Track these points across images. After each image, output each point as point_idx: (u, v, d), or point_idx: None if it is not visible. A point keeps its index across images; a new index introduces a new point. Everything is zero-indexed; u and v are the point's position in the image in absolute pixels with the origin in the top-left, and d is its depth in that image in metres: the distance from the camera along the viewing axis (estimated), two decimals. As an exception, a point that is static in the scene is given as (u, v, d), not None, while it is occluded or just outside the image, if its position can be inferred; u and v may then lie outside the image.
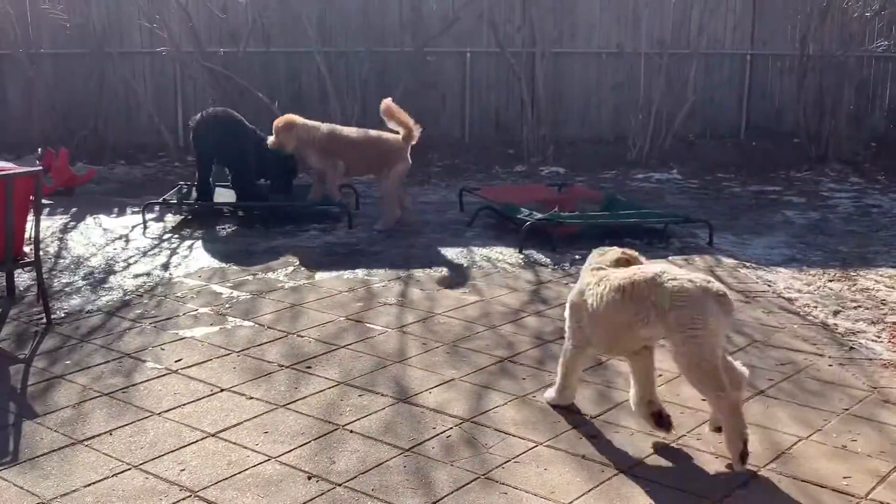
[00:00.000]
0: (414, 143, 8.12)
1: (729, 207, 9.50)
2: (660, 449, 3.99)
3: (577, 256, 7.19)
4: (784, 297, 6.29)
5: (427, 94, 12.52)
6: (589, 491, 3.63)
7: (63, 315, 5.74)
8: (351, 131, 8.40)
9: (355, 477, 3.72)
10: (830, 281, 6.72)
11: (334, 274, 6.71)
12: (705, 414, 4.31)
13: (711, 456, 3.93)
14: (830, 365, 5.00)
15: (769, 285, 6.59)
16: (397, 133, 8.02)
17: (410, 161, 8.22)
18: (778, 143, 12.50)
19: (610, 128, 12.85)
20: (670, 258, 7.17)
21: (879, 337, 5.52)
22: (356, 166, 8.33)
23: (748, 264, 7.16)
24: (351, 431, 4.13)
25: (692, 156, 11.99)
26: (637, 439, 4.08)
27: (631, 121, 11.90)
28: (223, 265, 6.92)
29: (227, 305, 5.94)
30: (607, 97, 12.82)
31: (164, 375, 4.77)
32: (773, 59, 13.03)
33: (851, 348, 5.32)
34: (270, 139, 8.25)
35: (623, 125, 12.32)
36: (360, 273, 6.75)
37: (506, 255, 7.30)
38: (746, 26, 12.91)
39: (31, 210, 5.57)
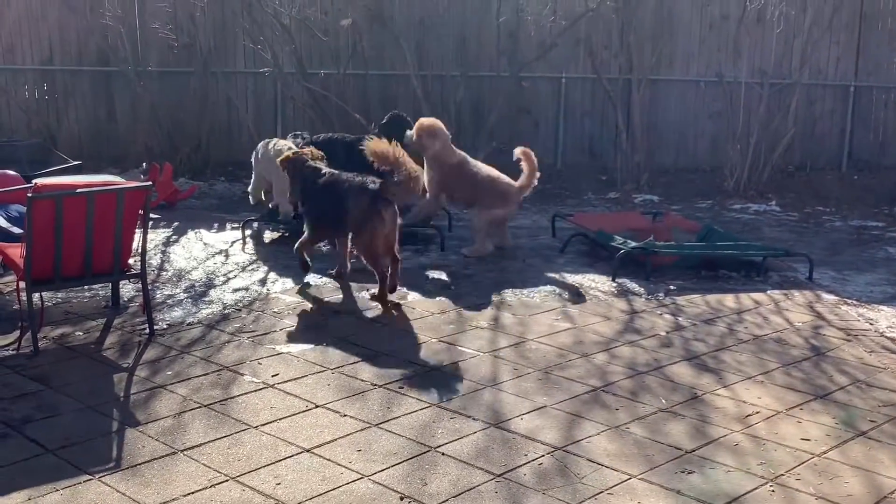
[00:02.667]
0: (527, 194, 8.18)
1: (829, 242, 9.26)
2: (758, 487, 3.90)
3: (671, 287, 7.09)
4: (887, 337, 6.09)
5: (521, 118, 12.56)
6: (684, 527, 3.57)
7: (165, 326, 5.91)
8: (479, 169, 8.19)
9: (447, 500, 3.73)
10: (938, 321, 6.49)
11: (428, 295, 6.76)
12: (805, 454, 4.21)
13: (811, 497, 3.82)
14: (938, 409, 4.83)
15: (871, 323, 6.39)
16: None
17: (517, 208, 8.28)
18: (881, 177, 12.14)
19: (706, 157, 12.67)
20: (769, 292, 7.03)
21: None
22: (464, 198, 8.23)
23: (849, 301, 6.96)
24: (443, 454, 4.15)
25: (791, 188, 11.73)
26: (734, 477, 3.99)
27: (728, 150, 11.70)
28: (318, 283, 7.04)
29: (322, 323, 6.03)
30: (704, 126, 12.65)
31: (261, 389, 4.87)
32: (877, 90, 12.69)
33: (960, 393, 5.12)
34: (410, 134, 8.01)
35: (720, 155, 12.13)
36: (453, 296, 6.78)
37: (598, 282, 7.25)
38: (850, 58, 12.60)
39: (139, 223, 5.76)
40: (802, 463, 4.13)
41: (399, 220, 6.62)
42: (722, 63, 12.27)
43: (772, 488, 3.90)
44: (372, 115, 11.81)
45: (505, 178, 8.11)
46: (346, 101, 11.81)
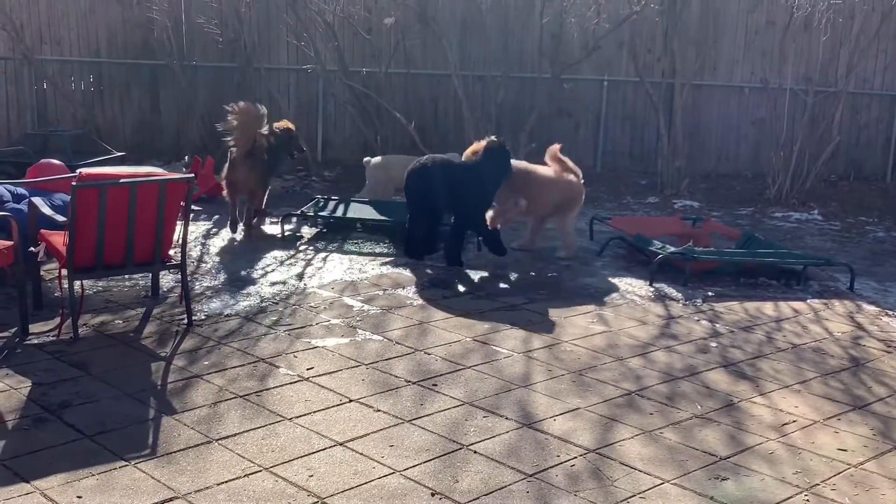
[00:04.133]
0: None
1: (871, 252, 9.12)
2: (793, 496, 3.86)
3: (709, 293, 7.03)
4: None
5: (561, 120, 12.53)
6: (716, 534, 3.54)
7: (203, 317, 5.97)
8: (545, 171, 8.09)
9: (478, 498, 3.74)
10: (982, 336, 6.37)
11: (462, 294, 6.77)
12: (841, 464, 4.16)
13: (847, 509, 3.78)
14: (980, 424, 4.74)
15: (914, 336, 6.30)
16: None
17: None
18: (927, 188, 11.95)
19: (748, 164, 12.55)
20: (808, 301, 6.95)
21: None
22: (542, 207, 8.09)
23: (890, 312, 6.86)
24: (475, 452, 4.15)
25: (834, 197, 11.58)
26: (768, 485, 3.95)
27: (771, 158, 11.57)
28: (355, 279, 7.07)
29: (357, 318, 6.06)
30: (747, 132, 12.53)
31: (296, 382, 4.90)
32: (925, 100, 12.50)
33: None
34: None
35: (762, 162, 12.01)
36: (489, 295, 6.78)
37: (635, 286, 7.21)
38: (898, 67, 12.43)
39: (180, 215, 5.82)
40: (838, 473, 4.08)
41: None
42: (766, 69, 12.14)
43: (806, 497, 3.86)
44: (412, 113, 11.86)
45: (571, 176, 8.09)
46: (387, 99, 11.85)
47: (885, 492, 3.94)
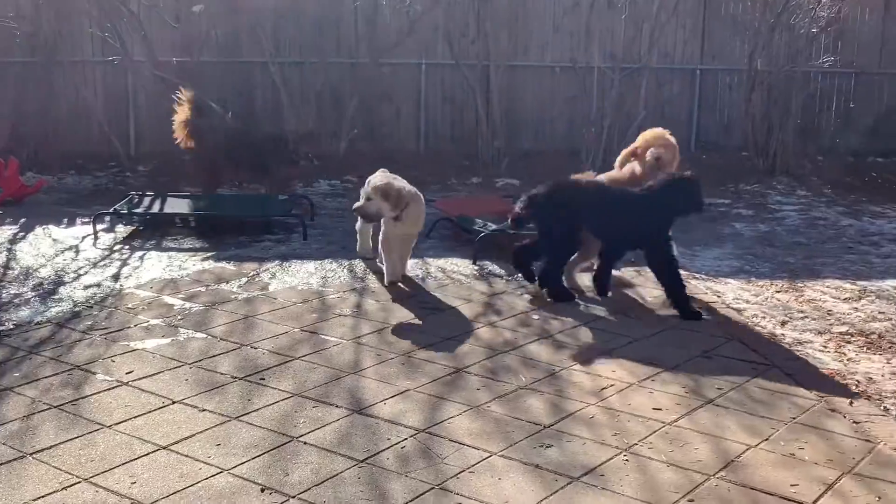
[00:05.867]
0: None
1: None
2: (612, 457, 4.03)
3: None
4: (733, 308, 6.39)
5: (382, 105, 12.55)
6: (543, 500, 3.65)
7: (11, 326, 5.65)
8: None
9: (309, 489, 3.71)
10: (778, 292, 6.85)
11: (288, 285, 6.69)
12: (656, 423, 4.38)
13: (662, 464, 3.98)
14: (778, 375, 5.09)
15: (718, 296, 6.70)
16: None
17: None
18: (727, 157, 12.69)
19: (564, 141, 12.96)
20: (623, 269, 7.25)
21: (826, 347, 5.64)
22: None
23: (698, 275, 7.27)
24: (305, 443, 4.12)
25: (644, 169, 12.12)
26: (590, 448, 4.11)
27: (584, 134, 12.01)
28: (175, 276, 6.87)
29: (179, 317, 5.88)
30: (561, 110, 12.94)
31: (114, 388, 4.71)
32: (722, 73, 13.25)
33: (798, 358, 5.42)
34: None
35: (577, 138, 12.44)
36: (315, 284, 6.73)
37: (460, 266, 7.33)
38: (696, 42, 13.12)
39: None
40: (654, 432, 4.29)
41: None
42: (575, 49, 12.56)
43: (626, 458, 4.04)
44: (230, 103, 11.59)
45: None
46: (201, 90, 11.51)
47: (697, 446, 4.17)
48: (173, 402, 4.54)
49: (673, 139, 6.64)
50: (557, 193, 6.46)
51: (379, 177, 6.69)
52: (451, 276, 7.05)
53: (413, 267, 7.26)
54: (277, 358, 5.17)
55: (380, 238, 6.76)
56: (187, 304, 6.15)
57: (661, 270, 6.31)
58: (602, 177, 7.11)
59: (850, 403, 4.69)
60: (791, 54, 12.15)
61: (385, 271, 6.75)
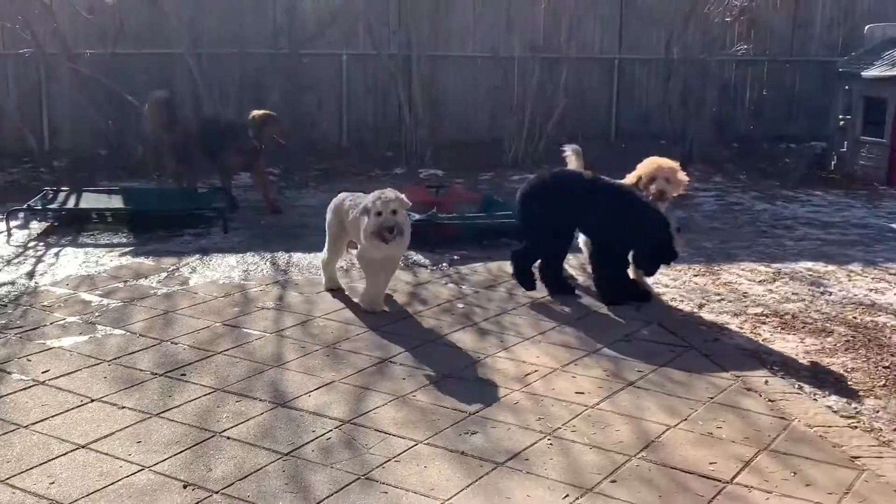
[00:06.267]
0: None
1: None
2: (536, 441, 4.08)
3: (455, 257, 7.27)
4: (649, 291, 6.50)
5: (303, 96, 12.43)
6: (468, 486, 3.68)
7: (-81, 328, 5.47)
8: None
9: (233, 484, 3.68)
10: (696, 276, 7.00)
11: (209, 279, 6.60)
12: (579, 406, 4.44)
13: (585, 446, 4.04)
14: (696, 356, 5.21)
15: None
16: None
17: None
18: (646, 145, 12.83)
19: (487, 130, 13.00)
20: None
21: (742, 328, 5.79)
22: None
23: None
24: (228, 438, 4.08)
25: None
26: (514, 433, 4.16)
27: (506, 124, 12.09)
28: (92, 273, 6.72)
29: (96, 314, 5.76)
30: (484, 100, 12.97)
31: (30, 387, 4.59)
32: (640, 63, 13.45)
33: (716, 339, 5.56)
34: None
35: (499, 128, 12.49)
36: (237, 278, 6.66)
37: (384, 257, 7.32)
38: (615, 32, 13.29)
39: None
40: (577, 415, 4.36)
41: None
42: (496, 39, 12.62)
43: (550, 441, 4.10)
44: (146, 96, 11.36)
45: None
46: (117, 82, 11.28)
47: (619, 428, 4.25)
48: (92, 401, 4.45)
49: (669, 164, 6.53)
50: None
51: (388, 191, 5.76)
52: (375, 266, 7.03)
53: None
54: (198, 353, 5.10)
55: (360, 259, 6.07)
56: (105, 301, 6.02)
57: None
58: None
59: (766, 382, 4.82)
60: (706, 43, 12.40)
61: (365, 296, 6.00)
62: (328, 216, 6.31)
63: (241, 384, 4.68)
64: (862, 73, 11.47)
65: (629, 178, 6.49)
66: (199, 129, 9.26)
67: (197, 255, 7.26)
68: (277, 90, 11.60)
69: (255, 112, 8.91)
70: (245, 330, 5.51)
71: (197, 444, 4.01)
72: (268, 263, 7.09)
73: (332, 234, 6.30)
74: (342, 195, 6.26)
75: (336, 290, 6.36)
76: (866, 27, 12.53)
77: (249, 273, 6.80)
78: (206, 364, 4.95)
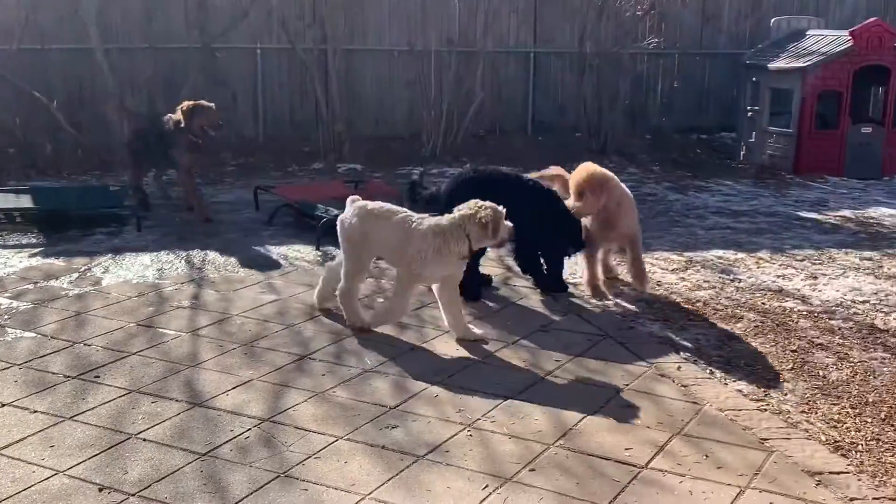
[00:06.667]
0: None
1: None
2: (456, 434, 4.11)
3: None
4: (569, 283, 6.60)
5: (217, 91, 12.21)
6: (388, 480, 3.70)
7: None
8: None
9: (149, 486, 3.63)
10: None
11: (123, 279, 6.48)
12: (496, 399, 4.49)
13: (504, 437, 4.09)
14: (612, 344, 5.32)
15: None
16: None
17: None
18: (562, 137, 13.05)
19: (405, 125, 13.01)
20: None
21: (656, 316, 5.92)
22: None
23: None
24: (144, 440, 4.02)
25: (483, 150, 12.33)
26: (434, 426, 4.19)
27: (424, 117, 12.11)
28: (0, 274, 6.52)
29: (5, 317, 5.60)
30: (401, 95, 12.97)
31: (-65, 395, 4.46)
32: (554, 56, 13.60)
33: (631, 328, 5.68)
34: (573, 203, 6.39)
35: (417, 122, 12.51)
36: (151, 277, 6.54)
37: (304, 252, 7.28)
38: (529, 25, 13.41)
39: None
40: (496, 407, 4.41)
41: None
42: (412, 32, 12.62)
43: (469, 433, 4.14)
44: (54, 92, 11.08)
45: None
46: (22, 79, 10.94)
47: (537, 417, 4.31)
48: (2, 405, 4.34)
49: (598, 171, 6.57)
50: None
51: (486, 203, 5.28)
52: (293, 262, 6.99)
53: (254, 255, 7.16)
54: (112, 354, 5.01)
55: (413, 278, 5.31)
56: (14, 303, 5.86)
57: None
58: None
59: (679, 368, 4.95)
60: (618, 37, 12.61)
61: (387, 315, 5.45)
62: (348, 227, 5.33)
63: (157, 385, 4.61)
64: (768, 65, 11.82)
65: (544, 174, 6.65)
66: (150, 128, 8.94)
67: (110, 255, 7.11)
68: (189, 85, 11.38)
69: (185, 102, 8.62)
70: (160, 330, 5.42)
71: (112, 446, 3.94)
72: (183, 262, 6.98)
73: (356, 250, 5.35)
74: (362, 202, 5.40)
75: (365, 331, 5.39)
76: (772, 20, 12.91)
77: (164, 272, 6.69)
78: (121, 365, 4.86)
